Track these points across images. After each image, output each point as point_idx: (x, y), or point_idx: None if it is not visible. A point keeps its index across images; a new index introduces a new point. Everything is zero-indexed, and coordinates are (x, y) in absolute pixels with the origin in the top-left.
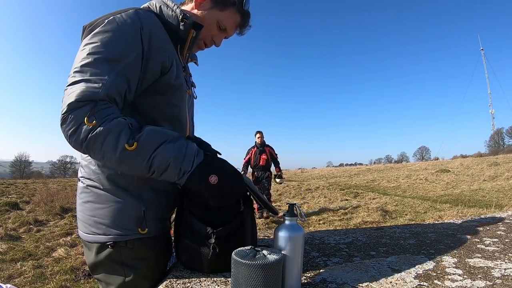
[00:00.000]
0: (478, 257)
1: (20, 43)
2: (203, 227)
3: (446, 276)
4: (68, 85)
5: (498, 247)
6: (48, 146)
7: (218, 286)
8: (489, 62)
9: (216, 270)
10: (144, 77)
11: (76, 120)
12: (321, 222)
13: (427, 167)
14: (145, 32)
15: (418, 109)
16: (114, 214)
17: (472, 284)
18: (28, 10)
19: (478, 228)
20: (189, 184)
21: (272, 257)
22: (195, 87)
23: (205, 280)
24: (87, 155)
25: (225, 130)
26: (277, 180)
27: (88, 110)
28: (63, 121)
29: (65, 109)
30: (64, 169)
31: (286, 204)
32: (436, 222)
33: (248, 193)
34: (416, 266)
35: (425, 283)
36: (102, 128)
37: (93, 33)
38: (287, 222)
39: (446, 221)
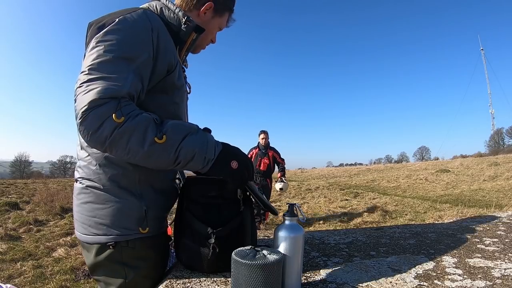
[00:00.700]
0: (478, 257)
1: (21, 42)
2: (203, 227)
3: (446, 276)
4: (84, 82)
5: (498, 247)
6: (48, 146)
7: (218, 286)
8: (489, 62)
9: (216, 270)
10: (152, 76)
11: (100, 116)
12: (321, 222)
13: (427, 167)
14: (154, 33)
15: (418, 109)
16: (115, 214)
17: (472, 284)
18: (29, 8)
19: (478, 228)
20: (213, 171)
21: (272, 257)
22: (190, 88)
23: (205, 280)
24: (86, 155)
25: (224, 130)
26: (278, 185)
27: (113, 107)
28: (84, 118)
29: (86, 106)
30: (64, 169)
31: (286, 204)
32: (436, 222)
33: (248, 193)
34: (416, 266)
35: (425, 283)
36: (128, 124)
37: (104, 30)
38: (287, 222)
39: (446, 221)
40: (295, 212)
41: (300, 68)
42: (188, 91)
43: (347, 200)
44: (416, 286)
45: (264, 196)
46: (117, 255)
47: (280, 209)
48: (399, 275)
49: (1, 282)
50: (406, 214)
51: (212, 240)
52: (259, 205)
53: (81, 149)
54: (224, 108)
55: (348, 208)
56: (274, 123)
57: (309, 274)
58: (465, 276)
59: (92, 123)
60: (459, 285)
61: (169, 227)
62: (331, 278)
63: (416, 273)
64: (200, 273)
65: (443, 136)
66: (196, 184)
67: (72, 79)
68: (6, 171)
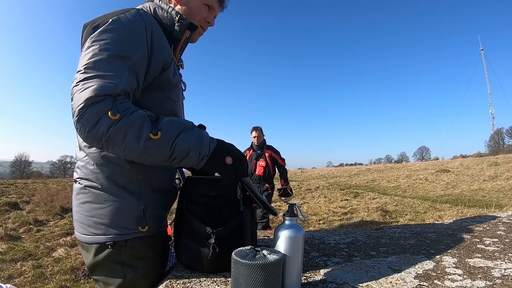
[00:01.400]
0: (478, 257)
1: (20, 42)
2: (203, 227)
3: (446, 276)
4: (80, 81)
5: (498, 247)
6: (48, 146)
7: (218, 286)
8: (489, 62)
9: (216, 270)
10: (147, 74)
11: (97, 114)
12: (321, 222)
13: (427, 167)
14: (148, 31)
15: (418, 109)
16: (113, 214)
17: (472, 284)
18: (27, 9)
19: (478, 228)
20: (207, 167)
21: (272, 257)
22: (186, 86)
23: (205, 280)
24: (84, 156)
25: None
26: (283, 197)
27: (109, 104)
28: (81, 116)
29: (83, 104)
30: (64, 169)
31: (286, 204)
32: (436, 222)
33: (247, 193)
34: (416, 266)
35: (425, 283)
36: (124, 120)
37: (99, 30)
38: (287, 222)
39: (446, 221)
40: (295, 212)
41: (300, 68)
42: (184, 89)
43: (347, 200)
44: (416, 286)
45: (264, 196)
46: (116, 255)
47: (280, 209)
48: (399, 275)
49: (1, 282)
50: (406, 214)
51: (212, 240)
52: (259, 205)
53: (79, 149)
54: (224, 108)
55: (348, 208)
56: (274, 123)
57: (309, 274)
58: (465, 276)
59: (89, 121)
60: (459, 285)
61: (169, 227)
62: (331, 278)
63: (416, 273)
64: (200, 273)
65: (443, 136)
66: (196, 184)
67: (71, 79)
68: (6, 171)
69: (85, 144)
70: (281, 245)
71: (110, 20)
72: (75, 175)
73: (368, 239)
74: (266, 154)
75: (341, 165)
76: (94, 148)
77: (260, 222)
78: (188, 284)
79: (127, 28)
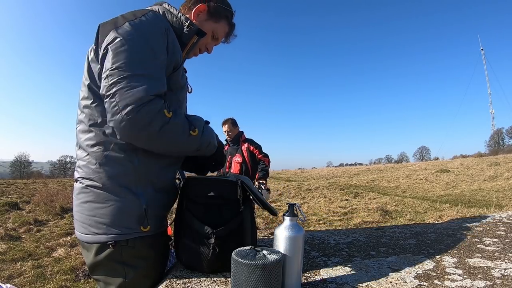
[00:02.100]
0: (478, 257)
1: (19, 43)
2: (203, 227)
3: (446, 276)
4: (123, 78)
5: (498, 247)
6: (48, 146)
7: (218, 286)
8: (489, 62)
9: (216, 270)
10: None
11: (151, 113)
12: (321, 222)
13: (427, 167)
14: (166, 33)
15: (418, 109)
16: (115, 213)
17: (472, 284)
18: (27, 9)
19: (478, 228)
20: (217, 154)
21: (272, 257)
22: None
23: (205, 280)
24: (85, 155)
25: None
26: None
27: (161, 104)
28: (134, 114)
29: (135, 102)
30: (64, 169)
31: (286, 204)
32: (436, 222)
33: (247, 193)
34: (416, 266)
35: (425, 283)
36: (174, 119)
37: (127, 31)
38: (287, 222)
39: (446, 221)
40: (295, 212)
41: (300, 68)
42: (190, 91)
43: (347, 200)
44: (416, 286)
45: (263, 197)
46: (117, 254)
47: (280, 209)
48: (399, 275)
49: (1, 282)
50: (406, 214)
51: (212, 240)
52: (259, 205)
53: (79, 148)
54: (224, 109)
55: (348, 208)
56: (274, 124)
57: (309, 274)
58: (465, 276)
59: (143, 119)
60: (459, 285)
61: (169, 227)
62: (331, 278)
63: (416, 273)
64: (200, 273)
65: (443, 136)
66: (196, 184)
67: (70, 80)
68: (6, 171)
69: (87, 143)
70: (281, 245)
71: (137, 20)
72: (76, 175)
73: (368, 239)
74: (243, 148)
75: (341, 165)
76: (97, 147)
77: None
78: (188, 284)
79: (153, 29)
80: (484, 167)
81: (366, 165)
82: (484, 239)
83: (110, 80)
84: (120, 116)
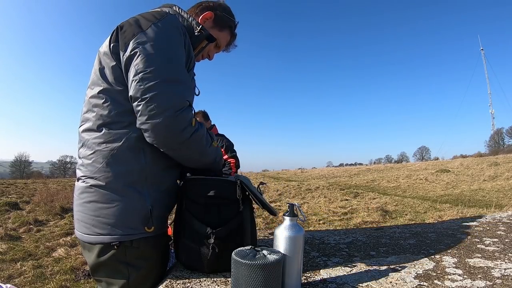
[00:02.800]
0: (478, 257)
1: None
2: (203, 227)
3: (446, 276)
4: (158, 83)
5: (498, 247)
6: (48, 146)
7: (218, 286)
8: (489, 63)
9: (216, 270)
10: None
11: (186, 120)
12: (321, 222)
13: (427, 167)
14: (184, 35)
15: (418, 109)
16: (120, 213)
17: (472, 284)
18: (25, 10)
19: (478, 228)
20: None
21: (272, 257)
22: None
23: (205, 280)
24: (91, 153)
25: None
26: None
27: (192, 113)
28: (174, 118)
29: (175, 107)
30: (64, 169)
31: (286, 204)
32: (436, 222)
33: (247, 193)
34: (416, 266)
35: (425, 283)
36: (199, 130)
37: (155, 34)
38: (287, 222)
39: (446, 221)
40: (295, 212)
41: (300, 69)
42: (197, 93)
43: (347, 200)
44: (416, 286)
45: (263, 197)
46: (121, 255)
47: (280, 209)
48: (399, 275)
49: (1, 282)
50: (406, 214)
51: (212, 240)
52: (258, 205)
53: (83, 146)
54: (223, 109)
55: (348, 208)
56: (275, 124)
57: (309, 274)
58: (465, 276)
59: (180, 124)
60: (459, 285)
61: (169, 227)
62: (331, 278)
63: (416, 273)
64: (200, 273)
65: (443, 136)
66: (195, 184)
67: (70, 80)
68: (6, 171)
69: (94, 141)
70: (281, 245)
71: (161, 24)
72: (79, 173)
73: (368, 239)
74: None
75: (341, 165)
76: (104, 145)
77: None
78: (188, 284)
79: (177, 32)
80: (484, 167)
81: (366, 165)
82: (484, 239)
83: (146, 84)
84: (158, 119)
